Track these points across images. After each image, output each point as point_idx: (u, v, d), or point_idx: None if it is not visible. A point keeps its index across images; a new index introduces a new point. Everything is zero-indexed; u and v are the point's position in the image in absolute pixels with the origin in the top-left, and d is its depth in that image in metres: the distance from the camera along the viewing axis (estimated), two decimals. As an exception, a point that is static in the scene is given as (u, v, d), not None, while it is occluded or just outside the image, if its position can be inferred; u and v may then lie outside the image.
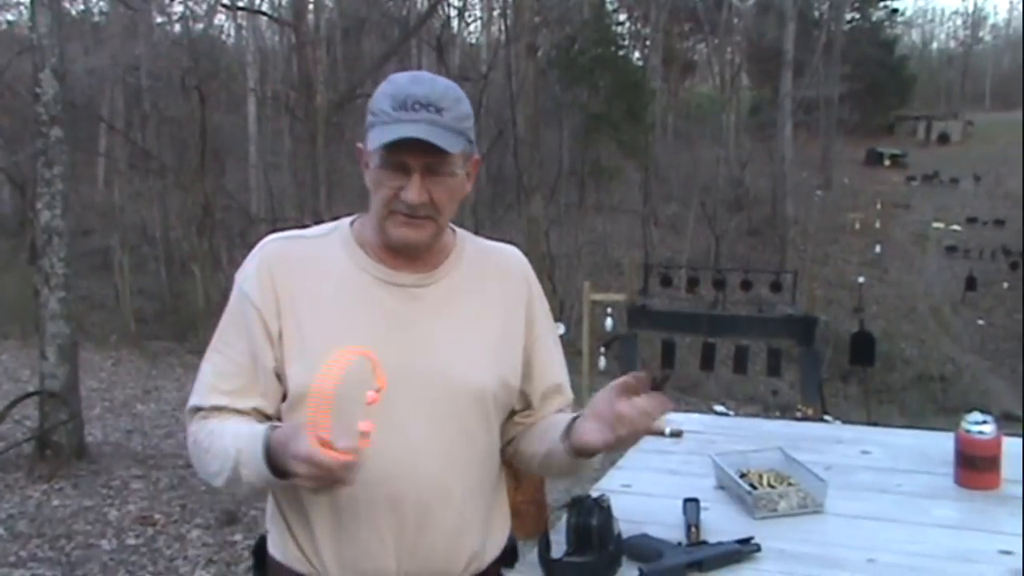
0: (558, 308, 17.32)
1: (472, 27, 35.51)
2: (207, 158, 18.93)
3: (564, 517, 1.87)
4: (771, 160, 31.18)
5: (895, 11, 52.46)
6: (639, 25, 38.04)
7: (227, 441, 1.65)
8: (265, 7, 23.06)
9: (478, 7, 33.62)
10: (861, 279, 27.21)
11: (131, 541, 6.04)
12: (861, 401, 18.12)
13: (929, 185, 41.92)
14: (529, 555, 1.89)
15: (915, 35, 73.59)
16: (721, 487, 2.25)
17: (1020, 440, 2.43)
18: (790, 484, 2.17)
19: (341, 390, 1.59)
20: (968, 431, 2.27)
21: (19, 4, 23.03)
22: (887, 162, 45.86)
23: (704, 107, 39.61)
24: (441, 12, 24.38)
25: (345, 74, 26.15)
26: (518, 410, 1.85)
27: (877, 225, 34.97)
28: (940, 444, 2.44)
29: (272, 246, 1.76)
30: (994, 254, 30.86)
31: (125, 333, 18.32)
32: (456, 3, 29.26)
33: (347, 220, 1.81)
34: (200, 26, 25.68)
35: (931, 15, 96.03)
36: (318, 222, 2.01)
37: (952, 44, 75.56)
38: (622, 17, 37.04)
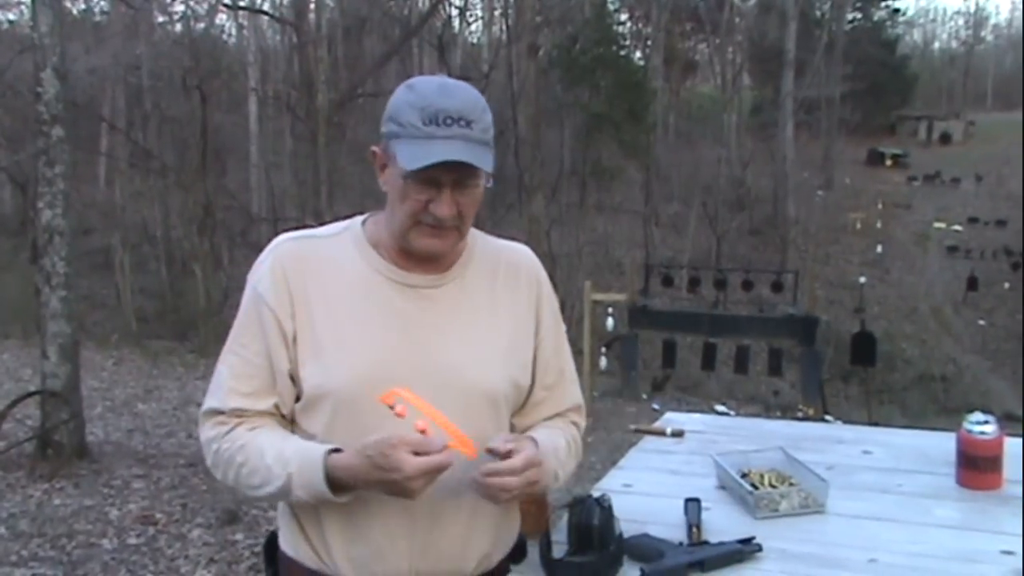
0: (559, 308, 17.24)
1: (473, 27, 35.57)
2: (208, 157, 18.94)
3: (565, 517, 1.87)
4: (772, 160, 31.20)
5: (897, 11, 52.45)
6: (640, 25, 38.06)
7: (269, 460, 1.66)
8: (266, 6, 23.11)
9: (479, 7, 33.66)
10: (862, 279, 27.22)
11: (132, 540, 6.03)
12: (862, 401, 18.12)
13: (931, 185, 41.90)
14: (530, 555, 1.89)
15: (917, 35, 73.59)
16: (722, 487, 2.25)
17: (1021, 440, 2.43)
18: (791, 484, 2.17)
19: (356, 395, 1.62)
20: (970, 431, 2.26)
21: (20, 3, 23.01)
22: (888, 162, 45.84)
23: (705, 107, 39.59)
24: (442, 12, 24.41)
25: (346, 73, 26.12)
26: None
27: (878, 225, 34.97)
28: (942, 444, 2.44)
29: (285, 246, 1.76)
30: (995, 254, 30.85)
31: (126, 332, 18.32)
32: (457, 3, 29.26)
33: (358, 220, 1.81)
34: (201, 25, 25.66)
35: (933, 15, 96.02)
36: (321, 222, 2.02)
37: (954, 44, 75.55)
38: (623, 17, 37.09)
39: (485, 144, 1.64)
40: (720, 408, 13.79)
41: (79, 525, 6.28)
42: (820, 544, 1.94)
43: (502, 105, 21.04)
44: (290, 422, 1.76)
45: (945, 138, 51.44)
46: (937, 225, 35.55)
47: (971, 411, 2.35)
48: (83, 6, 26.09)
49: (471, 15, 33.44)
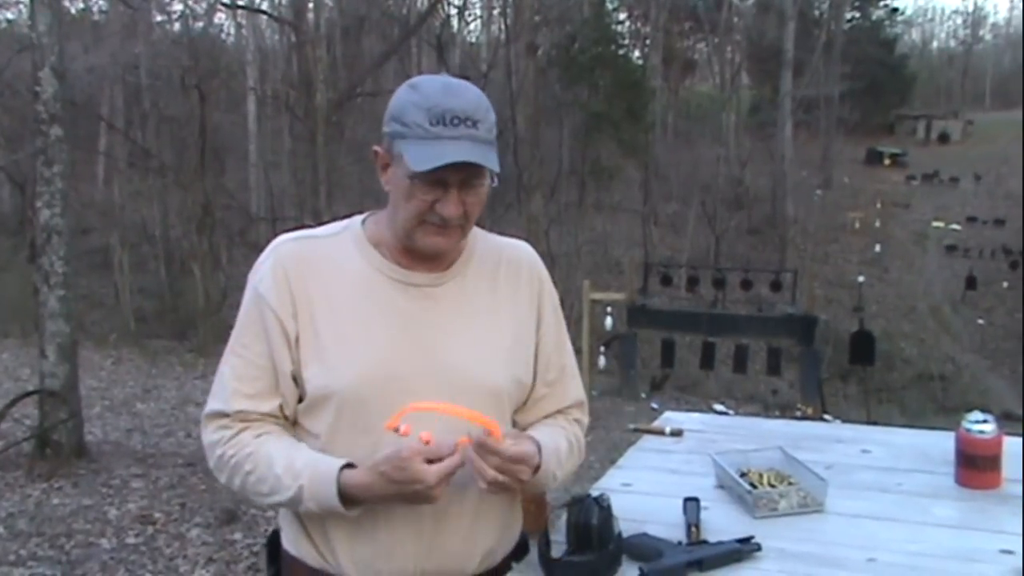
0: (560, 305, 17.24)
1: (472, 26, 35.59)
2: (207, 157, 18.92)
3: (564, 516, 1.86)
4: (771, 159, 31.21)
5: (895, 10, 52.49)
6: (639, 24, 38.08)
7: (277, 470, 1.66)
8: (265, 6, 23.12)
9: (478, 6, 33.69)
10: (861, 278, 27.24)
11: (131, 540, 6.03)
12: (861, 400, 18.12)
13: (929, 184, 41.94)
14: (529, 554, 1.89)
15: (915, 34, 73.71)
16: (721, 486, 2.25)
17: (1020, 439, 2.43)
18: (790, 483, 2.17)
19: (360, 395, 1.62)
20: (969, 430, 2.26)
21: (19, 3, 22.99)
22: (887, 161, 45.89)
23: (704, 106, 39.60)
24: (441, 11, 24.38)
25: (345, 73, 26.11)
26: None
27: (877, 224, 35.00)
28: (941, 443, 2.44)
29: (286, 247, 1.76)
30: (994, 253, 30.88)
31: (125, 332, 18.31)
32: (456, 2, 29.26)
33: (358, 219, 1.81)
34: (200, 25, 25.67)
35: (931, 14, 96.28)
36: (320, 221, 2.02)
37: (952, 43, 75.72)
38: (622, 16, 37.08)
39: (491, 144, 1.64)
40: (719, 407, 13.79)
41: (78, 524, 6.28)
42: (819, 543, 1.93)
43: (501, 104, 21.01)
44: (292, 423, 1.76)
45: (944, 137, 51.49)
46: (936, 224, 35.58)
47: (970, 410, 2.34)
48: (81, 5, 26.09)
49: (470, 14, 33.49)
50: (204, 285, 18.01)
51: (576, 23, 27.12)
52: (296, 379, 1.71)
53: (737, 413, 12.70)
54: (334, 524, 1.72)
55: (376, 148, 1.70)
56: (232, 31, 31.11)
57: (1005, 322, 27.64)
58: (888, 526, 2.02)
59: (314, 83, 16.13)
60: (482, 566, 1.80)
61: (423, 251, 1.70)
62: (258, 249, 1.80)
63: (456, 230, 1.68)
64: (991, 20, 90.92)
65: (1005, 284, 28.60)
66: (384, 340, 1.69)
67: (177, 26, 25.64)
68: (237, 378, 1.72)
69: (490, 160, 1.62)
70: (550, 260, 19.85)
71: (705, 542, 1.89)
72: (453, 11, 29.16)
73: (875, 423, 10.02)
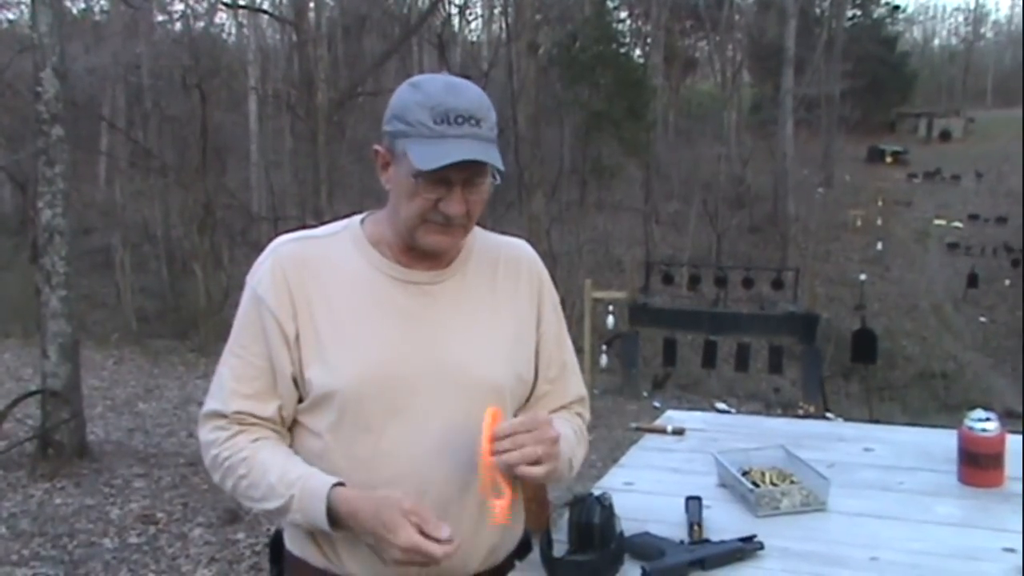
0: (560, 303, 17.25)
1: (473, 25, 35.61)
2: (208, 156, 18.92)
3: (566, 515, 1.87)
4: (772, 157, 31.19)
5: (896, 8, 52.45)
6: (640, 23, 38.08)
7: (271, 479, 1.66)
8: (266, 5, 23.13)
9: (479, 5, 33.70)
10: (863, 276, 27.20)
11: (133, 540, 6.04)
12: (863, 398, 18.12)
13: (931, 182, 41.92)
14: (531, 553, 1.89)
15: (916, 32, 73.68)
16: (723, 485, 2.24)
17: (1022, 437, 2.42)
18: (792, 482, 2.16)
19: (363, 393, 1.62)
20: (971, 428, 2.26)
21: (20, 3, 22.99)
22: (888, 159, 45.87)
23: (705, 104, 39.59)
24: (442, 10, 24.40)
25: (346, 72, 26.16)
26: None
27: (879, 222, 34.96)
28: (943, 441, 2.44)
29: (284, 248, 1.76)
30: (996, 251, 30.83)
31: (126, 332, 18.31)
32: (457, 1, 29.27)
33: (356, 219, 1.82)
34: (201, 24, 25.70)
35: (932, 12, 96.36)
36: (321, 221, 2.02)
37: (954, 41, 75.72)
38: (623, 15, 37.09)
39: (493, 142, 1.65)
40: (721, 406, 13.78)
41: (80, 524, 6.28)
42: (821, 542, 1.93)
43: (502, 103, 21.02)
44: (291, 424, 1.76)
45: (945, 135, 51.45)
46: (937, 222, 35.56)
47: (972, 408, 2.34)
48: (83, 5, 26.14)
49: (471, 13, 33.52)
50: (206, 285, 18.01)
51: (577, 22, 27.11)
52: (296, 380, 1.71)
53: (739, 412, 12.70)
54: None
55: (376, 147, 1.70)
56: (233, 31, 31.17)
57: (1007, 320, 27.61)
58: (890, 524, 2.02)
59: (315, 82, 16.14)
60: (485, 564, 1.81)
61: (425, 249, 1.70)
62: (259, 248, 1.80)
63: (459, 229, 1.69)
64: (992, 17, 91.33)
65: (1007, 282, 28.56)
66: (385, 338, 1.70)
67: (178, 26, 25.67)
68: (235, 378, 1.72)
69: (494, 158, 1.62)
70: (552, 259, 19.85)
71: (707, 541, 1.89)
72: (454, 10, 29.22)
73: (877, 421, 10.01)
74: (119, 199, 22.67)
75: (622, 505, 1.87)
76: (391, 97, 1.70)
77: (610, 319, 14.29)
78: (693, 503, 2.02)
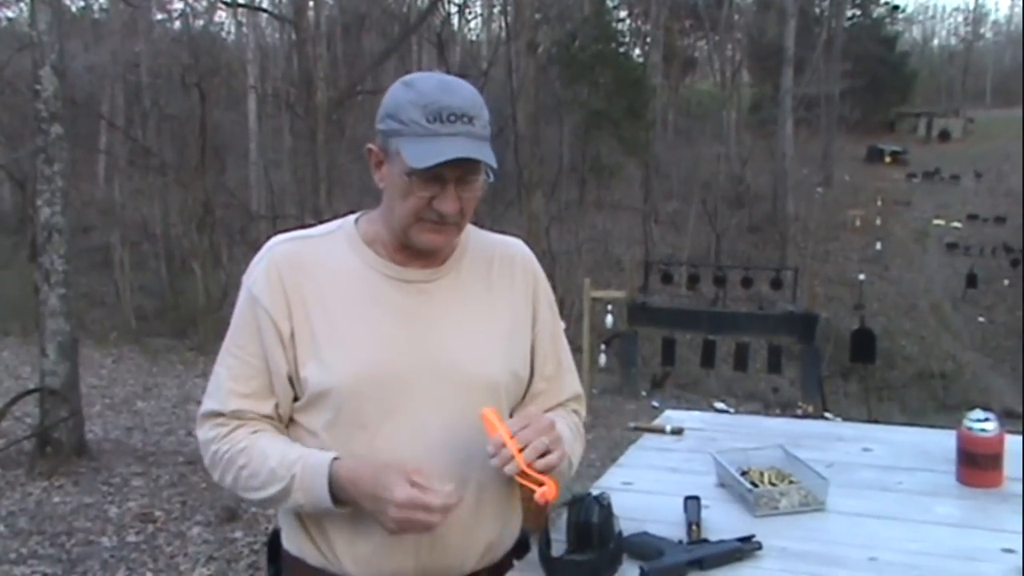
0: (558, 305, 17.21)
1: (473, 24, 35.59)
2: (207, 155, 18.91)
3: (564, 515, 1.86)
4: (772, 157, 31.18)
5: (896, 7, 52.46)
6: (640, 22, 38.06)
7: (272, 463, 1.67)
8: (265, 4, 23.11)
9: (478, 4, 33.71)
10: (862, 276, 27.21)
11: (131, 538, 6.04)
12: (861, 398, 18.12)
13: (930, 182, 41.90)
14: (529, 553, 1.88)
15: (916, 32, 73.73)
16: (722, 485, 2.24)
17: (1021, 438, 2.42)
18: (791, 482, 2.16)
19: (359, 391, 1.62)
20: (970, 428, 2.26)
21: (19, 1, 23.00)
22: (888, 159, 45.86)
23: (705, 104, 39.58)
24: (441, 9, 24.36)
25: (345, 71, 26.13)
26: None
27: (878, 222, 34.96)
28: (942, 442, 2.44)
29: (279, 248, 1.76)
30: (995, 251, 30.83)
31: (125, 330, 18.31)
32: (456, 0, 29.24)
33: (351, 218, 1.82)
34: (200, 23, 25.69)
35: (932, 11, 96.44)
36: (320, 220, 2.02)
37: (953, 41, 75.69)
38: (623, 14, 37.05)
39: (486, 140, 1.65)
40: (719, 405, 13.79)
41: (78, 523, 6.28)
42: (820, 542, 1.93)
43: (501, 102, 21.04)
44: (287, 422, 1.76)
45: (944, 135, 51.45)
46: (936, 222, 35.56)
47: (971, 408, 2.34)
48: (82, 3, 26.11)
49: (470, 12, 33.49)
50: (205, 283, 18.01)
51: (576, 21, 27.08)
52: (292, 379, 1.71)
53: (738, 411, 12.71)
54: (334, 521, 1.72)
55: (370, 145, 1.70)
56: (232, 29, 31.16)
57: (1006, 320, 27.62)
58: (889, 525, 2.02)
59: (314, 81, 16.12)
60: (482, 561, 1.81)
61: (420, 248, 1.71)
62: (258, 247, 1.80)
63: (452, 227, 1.69)
64: (992, 18, 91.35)
65: (1006, 282, 28.56)
66: (380, 337, 1.70)
67: (177, 24, 25.66)
68: (233, 378, 1.73)
69: (488, 156, 1.62)
70: (551, 258, 19.85)
71: (706, 541, 1.89)
72: (453, 9, 29.17)
73: (876, 421, 10.02)
74: (118, 197, 22.67)
75: (621, 505, 1.87)
76: (384, 96, 1.70)
77: (609, 318, 14.27)
78: (692, 503, 2.02)
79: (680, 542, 1.88)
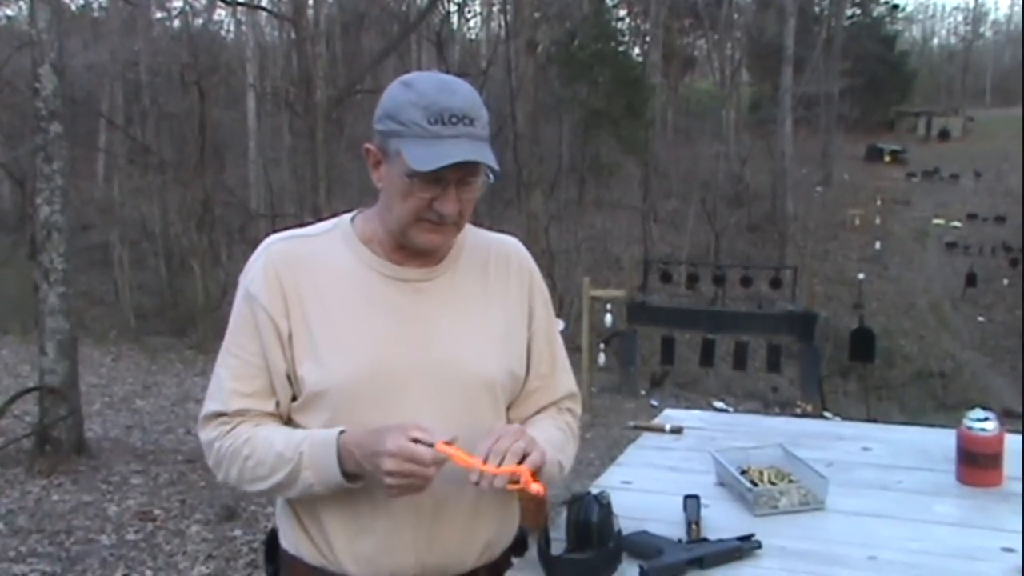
0: (558, 304, 17.33)
1: (472, 23, 35.53)
2: (207, 154, 18.91)
3: (563, 514, 1.86)
4: (771, 156, 31.17)
5: (895, 7, 52.42)
6: (639, 21, 38.07)
7: (278, 447, 1.66)
8: (264, 2, 23.03)
9: (478, 3, 33.65)
10: (861, 275, 27.23)
11: (131, 536, 6.04)
12: (861, 397, 18.12)
13: (929, 181, 41.90)
14: (529, 552, 1.88)
15: (916, 31, 73.68)
16: (722, 484, 2.24)
17: (1021, 437, 2.42)
18: (791, 481, 2.16)
19: (357, 391, 1.62)
20: (970, 428, 2.26)
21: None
22: (887, 158, 45.84)
23: (704, 103, 39.60)
24: (441, 8, 24.34)
25: (345, 70, 26.15)
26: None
27: (877, 221, 34.97)
28: (941, 441, 2.44)
29: (276, 247, 1.76)
30: (994, 250, 30.83)
31: (125, 329, 18.32)
32: (456, -1, 29.21)
33: (347, 217, 1.82)
34: (199, 21, 25.70)
35: (932, 11, 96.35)
36: (319, 218, 2.01)
37: (953, 40, 75.63)
38: (622, 13, 37.06)
39: (486, 141, 1.65)
40: (719, 404, 13.80)
41: (77, 521, 6.28)
42: (820, 541, 1.93)
43: (500, 101, 21.06)
44: (286, 422, 1.75)
45: (944, 134, 51.43)
46: (936, 221, 35.56)
47: (970, 408, 2.34)
48: (81, 2, 26.09)
49: (469, 11, 33.42)
50: (204, 282, 18.01)
51: (576, 20, 27.08)
52: (290, 378, 1.71)
53: (737, 410, 12.72)
54: (332, 519, 1.72)
55: (368, 145, 1.70)
56: (232, 28, 31.16)
57: (1005, 319, 27.63)
58: (889, 524, 2.02)
59: (314, 80, 16.13)
60: (481, 559, 1.81)
61: (418, 248, 1.71)
62: (257, 246, 1.80)
63: (452, 227, 1.69)
64: (991, 17, 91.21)
65: (1005, 281, 28.57)
66: (378, 336, 1.70)
67: (176, 23, 25.68)
68: (234, 378, 1.72)
69: (489, 158, 1.62)
70: (550, 257, 19.86)
71: (705, 540, 1.89)
72: (453, 8, 29.14)
73: (875, 420, 10.03)
74: (117, 196, 22.66)
75: (620, 504, 1.87)
76: (383, 95, 1.69)
77: (608, 317, 14.26)
78: (691, 502, 2.02)
79: (679, 541, 1.88)
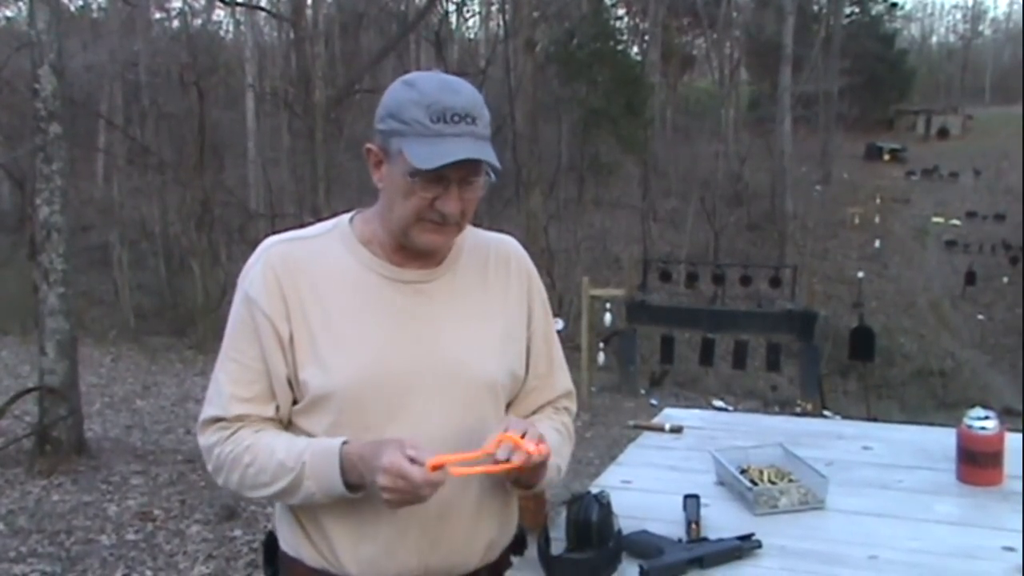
0: (557, 303, 17.33)
1: (471, 22, 35.51)
2: (206, 154, 18.90)
3: (564, 513, 1.86)
4: (770, 155, 31.16)
5: (894, 5, 52.38)
6: (638, 20, 38.02)
7: (280, 455, 1.65)
8: (263, 2, 23.04)
9: (476, 2, 33.61)
10: (860, 274, 27.21)
11: (131, 536, 6.03)
12: (861, 396, 18.11)
13: (929, 179, 41.90)
14: (529, 551, 1.88)
15: (915, 29, 73.64)
16: (721, 483, 2.24)
17: (1021, 436, 2.42)
18: (791, 480, 2.16)
19: (361, 394, 1.61)
20: (970, 427, 2.26)
21: (18, 0, 23.00)
22: (886, 156, 45.84)
23: (703, 102, 39.59)
24: (439, 7, 24.33)
25: (344, 69, 26.12)
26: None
27: (876, 220, 34.98)
28: (942, 440, 2.44)
29: (275, 249, 1.74)
30: (994, 248, 30.84)
31: (124, 329, 18.32)
32: (455, -2, 29.20)
33: (345, 217, 1.81)
34: (198, 22, 25.71)
35: (930, 9, 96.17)
36: (318, 218, 2.01)
37: (952, 38, 75.65)
38: (621, 12, 37.00)
39: (488, 140, 1.64)
40: (718, 403, 13.79)
41: (77, 521, 6.28)
42: (820, 540, 1.93)
43: (499, 101, 21.02)
44: (287, 425, 1.75)
45: (943, 132, 51.43)
46: (935, 219, 35.57)
47: (970, 406, 2.34)
48: (80, 2, 26.10)
49: (468, 11, 33.40)
50: (203, 282, 18.01)
51: (575, 19, 27.07)
52: (291, 382, 1.70)
53: (737, 409, 12.71)
54: (335, 523, 1.71)
55: (369, 145, 1.69)
56: (230, 28, 31.19)
57: (1005, 317, 27.63)
58: (889, 523, 2.02)
59: (313, 80, 16.11)
60: (484, 560, 1.81)
61: (420, 248, 1.70)
62: (257, 246, 1.79)
63: (453, 227, 1.68)
64: (990, 15, 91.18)
65: (1005, 279, 28.58)
66: (380, 338, 1.69)
67: (176, 23, 25.72)
68: (233, 383, 1.71)
69: (492, 157, 1.62)
70: (549, 256, 19.86)
71: (705, 539, 1.89)
72: (451, 7, 29.13)
73: (875, 419, 10.03)
74: (117, 196, 22.66)
75: (620, 503, 1.87)
76: (384, 95, 1.69)
77: (608, 316, 14.26)
78: (691, 501, 2.02)
79: (679, 540, 1.88)
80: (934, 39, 77.82)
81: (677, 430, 2.71)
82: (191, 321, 17.99)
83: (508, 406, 1.85)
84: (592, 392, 12.75)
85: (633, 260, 16.54)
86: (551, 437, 1.80)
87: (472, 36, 35.67)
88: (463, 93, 1.63)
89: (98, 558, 5.65)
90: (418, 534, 1.70)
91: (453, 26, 30.59)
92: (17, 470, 7.34)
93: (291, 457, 1.64)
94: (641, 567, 1.75)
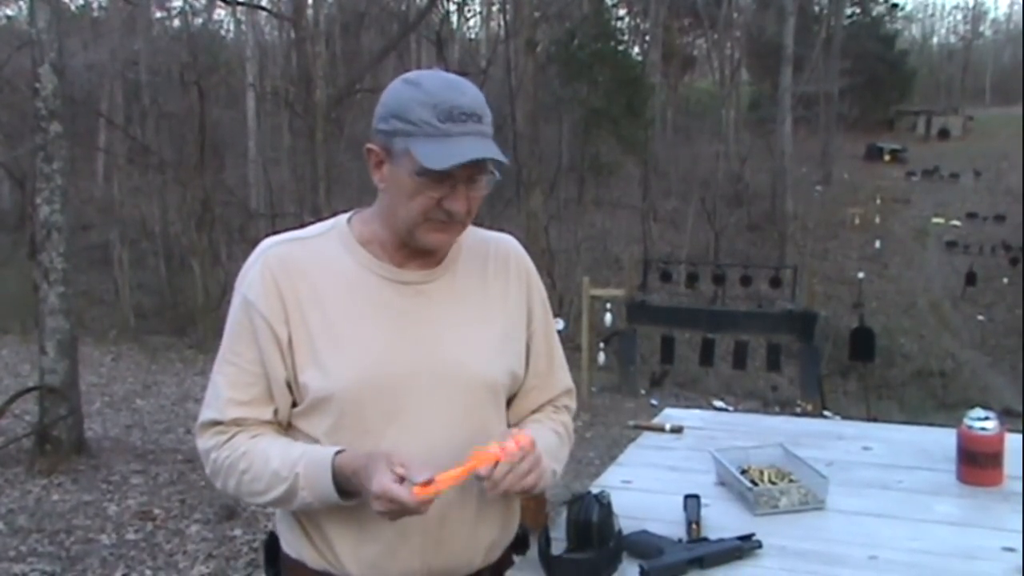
0: (557, 303, 17.32)
1: (471, 22, 35.54)
2: (206, 153, 18.90)
3: (564, 513, 1.86)
4: (771, 155, 31.17)
5: (895, 6, 52.42)
6: (638, 20, 38.05)
7: (275, 464, 1.65)
8: (264, 2, 23.02)
9: (477, 2, 33.64)
10: (861, 274, 27.22)
11: (131, 536, 6.03)
12: (861, 397, 18.11)
13: (929, 180, 41.90)
14: (529, 551, 1.88)
15: (915, 30, 73.67)
16: (722, 483, 2.24)
17: (1022, 436, 2.42)
18: (791, 480, 2.16)
19: (361, 396, 1.61)
20: (970, 427, 2.25)
21: (18, -1, 23.00)
22: (887, 157, 45.84)
23: (703, 102, 39.58)
24: (440, 7, 24.34)
25: (344, 69, 26.12)
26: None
27: (877, 220, 34.98)
28: (942, 440, 2.44)
29: (273, 251, 1.73)
30: (994, 249, 30.84)
31: (124, 328, 18.32)
32: (455, -2, 29.21)
33: (343, 218, 1.80)
34: (199, 21, 25.70)
35: (931, 10, 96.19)
36: (319, 218, 2.00)
37: (952, 39, 75.61)
38: (621, 12, 37.05)
39: (492, 138, 1.64)
40: (719, 404, 13.79)
41: (77, 520, 6.28)
42: (820, 541, 1.93)
43: (500, 101, 21.03)
44: (286, 428, 1.74)
45: (943, 133, 51.42)
46: (936, 220, 35.56)
47: (970, 407, 2.34)
48: (81, 1, 26.09)
49: (469, 10, 33.44)
50: (203, 281, 18.01)
51: (575, 19, 27.08)
52: (290, 385, 1.69)
53: (737, 409, 12.71)
54: (336, 526, 1.71)
55: (370, 145, 1.67)
56: (231, 27, 31.22)
57: (1005, 318, 27.62)
58: (889, 523, 2.02)
59: (313, 79, 16.11)
60: (486, 560, 1.81)
61: (424, 248, 1.69)
62: (257, 245, 1.78)
63: (458, 226, 1.68)
64: (991, 16, 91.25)
65: (1005, 280, 28.58)
66: (380, 339, 1.69)
67: (176, 22, 25.72)
68: (231, 386, 1.70)
69: (500, 155, 1.62)
70: (549, 256, 19.86)
71: (706, 539, 1.89)
72: (452, 7, 29.14)
73: (875, 419, 10.02)
74: (117, 195, 22.65)
75: (620, 503, 1.87)
76: (384, 94, 1.67)
77: (608, 317, 14.26)
78: (691, 501, 2.02)
79: (680, 541, 1.88)
80: (935, 40, 77.87)
81: (677, 430, 2.71)
82: (191, 320, 18.00)
83: (508, 405, 1.85)
84: (592, 392, 12.75)
85: (633, 260, 16.52)
86: (549, 441, 1.80)
87: (473, 36, 35.71)
88: (469, 92, 1.63)
89: (98, 557, 5.65)
90: (420, 535, 1.69)
91: (454, 26, 30.62)
92: (17, 469, 7.34)
93: (285, 466, 1.63)
94: (641, 567, 1.75)
